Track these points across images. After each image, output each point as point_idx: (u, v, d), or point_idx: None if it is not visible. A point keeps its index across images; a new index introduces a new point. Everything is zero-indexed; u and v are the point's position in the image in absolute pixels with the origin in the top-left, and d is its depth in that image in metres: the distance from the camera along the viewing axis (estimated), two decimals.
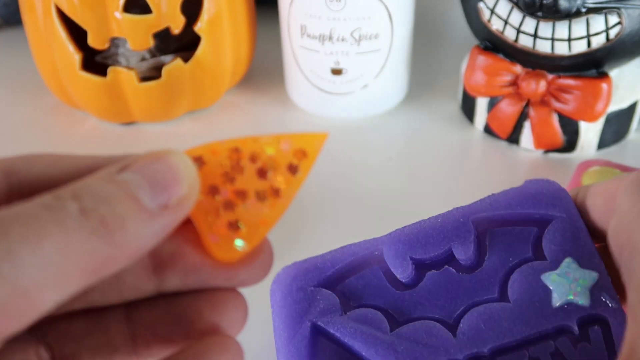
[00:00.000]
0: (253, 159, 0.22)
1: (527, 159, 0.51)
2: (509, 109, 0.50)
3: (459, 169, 0.52)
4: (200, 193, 0.21)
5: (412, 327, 0.29)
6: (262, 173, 0.22)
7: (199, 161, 0.22)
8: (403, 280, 0.31)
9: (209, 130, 0.56)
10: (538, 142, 0.50)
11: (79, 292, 0.18)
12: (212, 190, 0.22)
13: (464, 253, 0.30)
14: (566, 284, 0.28)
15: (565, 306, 0.28)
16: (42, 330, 0.22)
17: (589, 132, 0.49)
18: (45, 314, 0.18)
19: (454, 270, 0.31)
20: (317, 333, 0.30)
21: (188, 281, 0.23)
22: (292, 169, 0.22)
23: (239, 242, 0.21)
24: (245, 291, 0.25)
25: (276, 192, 0.22)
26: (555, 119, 0.49)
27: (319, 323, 0.30)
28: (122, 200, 0.19)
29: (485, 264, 0.30)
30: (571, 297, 0.28)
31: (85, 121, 0.57)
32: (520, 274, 0.29)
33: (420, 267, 0.31)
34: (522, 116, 0.50)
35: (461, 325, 0.29)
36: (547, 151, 0.51)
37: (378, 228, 0.45)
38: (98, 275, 0.18)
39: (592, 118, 0.48)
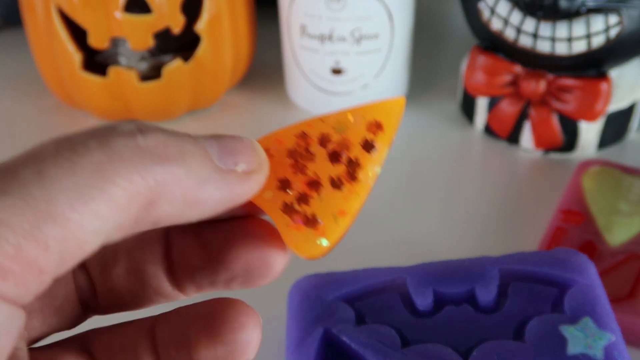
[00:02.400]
0: (323, 142, 0.20)
1: (527, 159, 0.51)
2: (509, 109, 0.50)
3: (459, 169, 0.52)
4: (271, 189, 0.20)
5: (424, 347, 0.30)
6: (334, 156, 0.20)
7: (267, 154, 0.20)
8: (421, 309, 0.32)
9: (209, 130, 0.56)
10: (538, 142, 0.50)
11: (130, 231, 0.17)
12: (284, 185, 0.20)
13: (485, 295, 0.31)
14: (582, 338, 0.29)
15: (580, 356, 0.28)
16: (86, 341, 0.21)
17: (589, 132, 0.49)
18: (94, 248, 0.16)
19: (472, 308, 0.32)
20: (329, 339, 0.30)
21: (198, 283, 0.21)
22: (368, 146, 0.20)
23: (322, 242, 0.19)
24: (260, 294, 0.23)
25: (352, 176, 0.19)
26: (555, 119, 0.49)
27: (332, 330, 0.30)
28: (188, 141, 0.17)
29: (504, 309, 0.31)
30: (586, 349, 0.29)
31: (85, 121, 0.57)
32: (539, 321, 0.30)
33: (440, 300, 0.32)
34: (522, 116, 0.50)
35: (474, 353, 0.29)
36: (547, 151, 0.51)
37: (378, 227, 0.45)
38: (151, 212, 0.16)
39: (591, 118, 0.48)
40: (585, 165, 0.46)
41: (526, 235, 0.44)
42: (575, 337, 0.29)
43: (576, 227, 0.42)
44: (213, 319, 0.20)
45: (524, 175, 0.50)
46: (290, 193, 0.20)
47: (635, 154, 0.51)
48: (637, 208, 0.43)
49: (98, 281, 0.21)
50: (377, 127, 0.20)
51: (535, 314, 0.31)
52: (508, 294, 0.32)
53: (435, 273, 0.32)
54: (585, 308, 0.30)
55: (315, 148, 0.20)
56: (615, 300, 0.36)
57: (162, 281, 0.21)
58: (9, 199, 0.14)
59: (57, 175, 0.15)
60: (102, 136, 0.16)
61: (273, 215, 0.20)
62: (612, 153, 0.51)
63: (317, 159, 0.20)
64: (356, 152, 0.20)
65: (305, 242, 0.19)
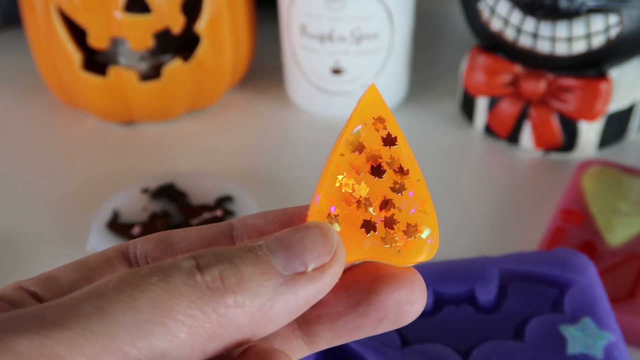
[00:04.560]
0: (358, 169, 0.20)
1: (527, 159, 0.51)
2: (509, 109, 0.50)
3: (459, 169, 0.52)
4: (363, 239, 0.20)
5: (424, 347, 0.30)
6: (377, 171, 0.20)
7: (336, 220, 0.20)
8: None
9: (209, 130, 0.56)
10: (538, 142, 0.50)
11: (201, 359, 0.16)
12: (368, 227, 0.20)
13: (485, 295, 0.31)
14: (582, 338, 0.29)
15: (580, 356, 0.29)
16: None
17: (589, 132, 0.49)
18: None
19: (472, 308, 0.32)
20: None
21: (338, 332, 0.20)
22: (390, 141, 0.20)
23: (431, 238, 0.20)
24: None
25: (402, 171, 0.20)
26: (555, 119, 0.49)
27: None
28: (249, 261, 0.17)
29: (504, 309, 0.31)
30: (586, 349, 0.29)
31: (85, 121, 0.57)
32: (539, 321, 0.30)
33: (440, 300, 0.32)
34: (522, 116, 0.50)
35: (474, 353, 0.29)
36: (547, 151, 0.51)
37: None
38: (218, 342, 0.16)
39: (591, 117, 0.48)
40: (585, 165, 0.46)
41: (526, 235, 0.44)
42: (575, 337, 0.29)
43: (576, 227, 0.42)
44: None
45: (524, 175, 0.50)
46: (378, 227, 0.20)
47: (635, 154, 0.51)
48: (637, 208, 0.43)
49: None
50: (380, 121, 0.20)
51: (535, 314, 0.31)
52: (508, 294, 0.32)
53: (435, 273, 0.32)
54: (585, 308, 0.30)
55: (358, 178, 0.20)
56: (615, 300, 0.36)
57: (288, 340, 0.20)
58: (67, 332, 0.15)
59: (118, 311, 0.15)
60: (163, 273, 0.16)
61: (382, 255, 0.20)
62: (612, 153, 0.51)
63: (369, 184, 0.20)
64: (386, 152, 0.20)
65: (420, 249, 0.20)
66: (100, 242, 0.42)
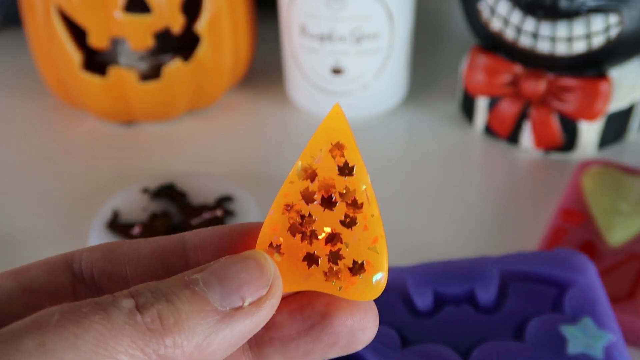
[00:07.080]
0: (307, 199, 0.19)
1: (527, 159, 0.51)
2: (509, 109, 0.50)
3: (459, 169, 0.52)
4: (305, 271, 0.19)
5: (424, 348, 0.30)
6: (328, 202, 0.19)
7: (277, 250, 0.19)
8: (421, 309, 0.32)
9: (209, 130, 0.56)
10: (538, 142, 0.50)
11: None
12: (310, 260, 0.19)
13: (485, 295, 0.31)
14: (582, 338, 0.29)
15: (580, 356, 0.29)
16: None
17: (589, 132, 0.49)
18: None
19: (472, 308, 0.32)
20: None
21: (289, 355, 0.20)
22: (346, 170, 0.19)
23: (377, 277, 0.19)
24: None
25: (355, 205, 0.19)
26: (555, 119, 0.49)
27: None
28: (187, 299, 0.17)
29: (504, 309, 0.31)
30: (586, 349, 0.29)
31: (85, 121, 0.57)
32: (539, 322, 0.30)
33: (440, 300, 0.32)
34: (522, 116, 0.50)
35: (474, 353, 0.29)
36: (547, 151, 0.51)
37: None
38: None
39: (591, 117, 0.48)
40: (585, 165, 0.46)
41: (526, 235, 0.44)
42: (575, 337, 0.29)
43: (576, 227, 0.42)
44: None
45: (524, 175, 0.50)
46: (321, 261, 0.19)
47: (635, 154, 0.51)
48: (637, 208, 0.43)
49: None
50: (338, 148, 0.19)
51: (535, 314, 0.31)
52: (508, 294, 0.32)
53: (435, 273, 0.32)
54: (585, 308, 0.30)
55: (307, 208, 0.19)
56: (615, 300, 0.36)
57: None
58: None
59: (59, 348, 0.15)
60: (105, 311, 0.16)
61: (323, 289, 0.19)
62: (612, 153, 0.51)
63: (317, 216, 0.19)
64: (341, 183, 0.19)
65: (365, 288, 0.19)
66: (100, 242, 0.42)
